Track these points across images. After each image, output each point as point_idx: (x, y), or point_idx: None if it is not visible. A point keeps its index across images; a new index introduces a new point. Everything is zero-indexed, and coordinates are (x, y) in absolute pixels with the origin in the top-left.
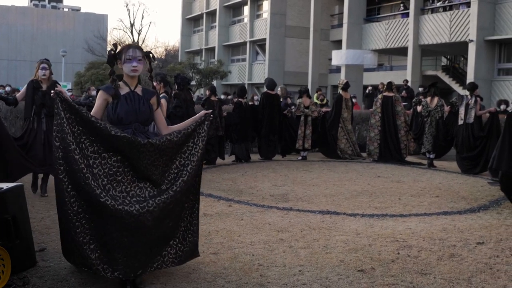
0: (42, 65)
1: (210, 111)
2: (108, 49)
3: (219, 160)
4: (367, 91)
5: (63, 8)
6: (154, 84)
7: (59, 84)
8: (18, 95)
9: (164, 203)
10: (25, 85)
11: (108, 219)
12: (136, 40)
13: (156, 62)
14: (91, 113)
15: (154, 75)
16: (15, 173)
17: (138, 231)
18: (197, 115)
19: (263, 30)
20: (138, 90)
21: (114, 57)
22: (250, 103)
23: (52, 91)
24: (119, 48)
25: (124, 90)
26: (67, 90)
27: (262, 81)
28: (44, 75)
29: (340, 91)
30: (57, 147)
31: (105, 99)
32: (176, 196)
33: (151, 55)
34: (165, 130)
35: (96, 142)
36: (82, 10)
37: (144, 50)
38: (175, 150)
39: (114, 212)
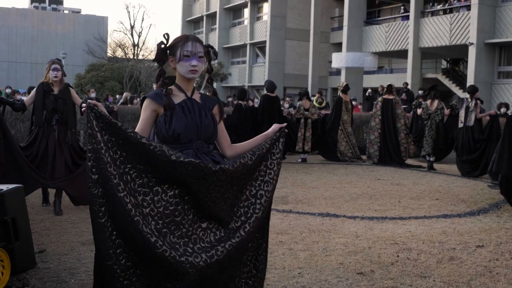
0: (53, 66)
1: (285, 124)
2: (109, 51)
3: None
4: (367, 93)
5: (63, 10)
6: (154, 86)
7: (72, 88)
8: (26, 99)
9: (236, 249)
10: (34, 88)
11: (169, 276)
12: (136, 42)
13: (156, 64)
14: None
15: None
16: (28, 187)
17: (203, 286)
18: (269, 130)
19: (263, 32)
20: (196, 96)
21: (165, 52)
22: (250, 105)
23: (84, 104)
24: (172, 40)
25: (178, 97)
26: (22, 94)
27: (262, 83)
28: (55, 76)
29: (340, 93)
30: (94, 181)
31: (154, 111)
32: (248, 237)
33: (211, 50)
34: (229, 149)
35: (146, 171)
36: (83, 12)
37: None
38: (247, 177)
39: (175, 267)
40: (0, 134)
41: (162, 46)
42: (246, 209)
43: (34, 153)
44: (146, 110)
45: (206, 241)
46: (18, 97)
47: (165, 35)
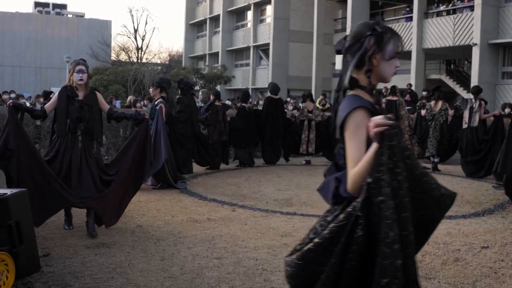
0: (78, 67)
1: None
2: (113, 55)
3: (222, 165)
4: None
5: (67, 14)
6: (150, 90)
7: (98, 91)
8: (47, 105)
9: None
10: (56, 93)
11: None
12: (139, 46)
13: (160, 67)
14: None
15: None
16: (53, 205)
17: None
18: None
19: (266, 34)
20: None
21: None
22: (254, 108)
23: (386, 122)
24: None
25: None
26: (27, 98)
27: (266, 85)
28: (81, 79)
29: None
30: (397, 251)
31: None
32: None
33: None
34: None
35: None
36: (86, 16)
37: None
38: None
39: None
40: (14, 147)
41: (376, 31)
42: None
43: (57, 167)
44: (363, 126)
45: None
46: (22, 101)
47: (380, 18)
